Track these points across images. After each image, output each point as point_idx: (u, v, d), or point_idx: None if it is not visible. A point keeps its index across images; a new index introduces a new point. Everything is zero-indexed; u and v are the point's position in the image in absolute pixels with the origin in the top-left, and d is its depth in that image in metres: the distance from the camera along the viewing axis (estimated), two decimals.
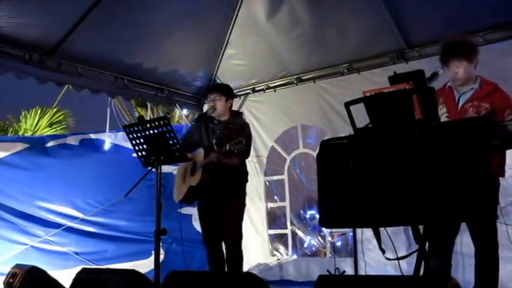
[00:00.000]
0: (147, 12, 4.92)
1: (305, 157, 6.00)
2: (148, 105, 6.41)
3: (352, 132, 2.57)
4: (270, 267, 5.85)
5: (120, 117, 6.12)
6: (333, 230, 5.44)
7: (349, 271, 4.61)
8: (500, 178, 3.05)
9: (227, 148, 3.68)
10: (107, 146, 5.88)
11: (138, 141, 3.29)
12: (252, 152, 4.71)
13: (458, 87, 3.21)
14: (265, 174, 6.12)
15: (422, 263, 2.61)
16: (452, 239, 3.14)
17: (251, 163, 5.82)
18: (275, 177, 6.14)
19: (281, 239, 6.18)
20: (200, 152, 4.04)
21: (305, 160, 6.04)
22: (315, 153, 5.64)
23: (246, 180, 4.17)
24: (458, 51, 3.12)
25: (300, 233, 6.14)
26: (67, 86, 5.56)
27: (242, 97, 6.20)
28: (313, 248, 6.27)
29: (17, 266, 3.83)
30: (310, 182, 6.00)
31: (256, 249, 5.96)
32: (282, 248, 6.08)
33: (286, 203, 6.02)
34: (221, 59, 5.93)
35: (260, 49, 5.73)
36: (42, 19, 4.50)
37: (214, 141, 4.05)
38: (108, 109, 5.79)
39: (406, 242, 4.33)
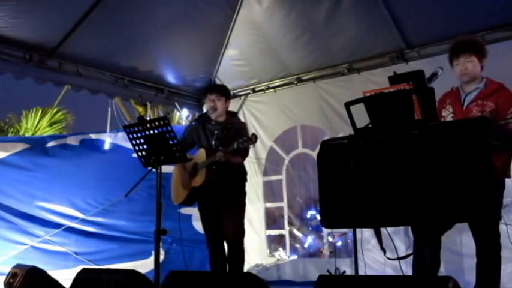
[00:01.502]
0: (147, 13, 4.92)
1: (304, 157, 5.99)
2: (148, 105, 6.41)
3: (352, 132, 2.57)
4: (269, 268, 5.85)
5: (120, 117, 6.12)
6: (333, 230, 5.44)
7: (349, 271, 4.61)
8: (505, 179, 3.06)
9: (235, 147, 3.70)
10: (107, 146, 5.88)
11: (138, 141, 3.29)
12: (251, 153, 4.72)
13: (465, 87, 3.24)
14: (264, 175, 6.11)
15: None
16: (442, 232, 3.15)
17: (250, 163, 5.82)
18: (273, 178, 6.13)
19: (279, 239, 6.17)
20: (200, 152, 4.04)
21: (304, 160, 6.03)
22: (313, 154, 5.68)
23: (246, 180, 4.18)
24: (472, 47, 3.18)
25: (299, 233, 6.14)
26: (67, 86, 5.56)
27: (242, 97, 6.20)
28: (313, 249, 6.26)
29: (17, 266, 3.83)
30: (309, 182, 5.99)
31: (255, 249, 5.95)
32: (280, 249, 6.08)
33: (284, 204, 6.02)
34: (221, 59, 5.94)
35: (260, 49, 5.73)
36: (43, 19, 4.51)
37: (213, 142, 4.05)
38: (109, 109, 5.79)
39: (406, 242, 4.33)
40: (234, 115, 4.34)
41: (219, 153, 3.80)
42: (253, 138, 3.70)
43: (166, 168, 3.53)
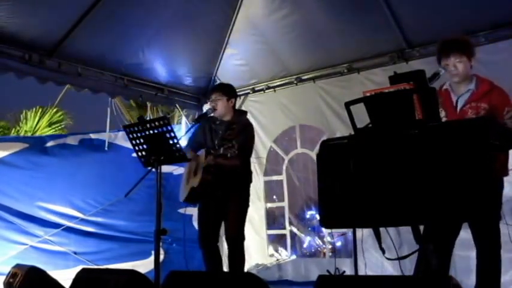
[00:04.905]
0: (147, 12, 4.92)
1: (303, 157, 5.99)
2: (148, 105, 6.41)
3: (350, 132, 2.57)
4: (269, 268, 5.85)
5: (120, 117, 6.11)
6: (333, 230, 5.43)
7: (349, 271, 4.61)
8: (504, 178, 3.06)
9: (221, 152, 3.73)
10: (107, 146, 5.87)
11: (138, 141, 3.28)
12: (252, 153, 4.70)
13: (456, 88, 3.21)
14: (265, 174, 6.11)
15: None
16: (452, 240, 3.14)
17: (251, 164, 5.81)
18: (274, 178, 6.13)
19: (280, 239, 6.17)
20: (202, 153, 4.04)
21: (303, 160, 6.03)
22: (312, 153, 5.68)
23: (249, 181, 4.14)
24: (462, 46, 3.14)
25: (299, 233, 6.13)
26: (67, 86, 5.55)
27: (242, 97, 6.20)
28: (313, 249, 6.26)
29: (17, 266, 3.82)
30: (308, 182, 5.99)
31: (255, 249, 5.95)
32: (280, 249, 6.08)
33: (285, 203, 6.02)
34: (221, 59, 5.93)
35: (260, 49, 5.73)
36: (42, 19, 4.50)
37: (216, 141, 4.04)
38: (109, 109, 5.78)
39: (407, 242, 4.32)
40: (241, 114, 4.30)
41: (209, 157, 3.84)
42: (236, 146, 3.71)
43: (166, 168, 3.53)
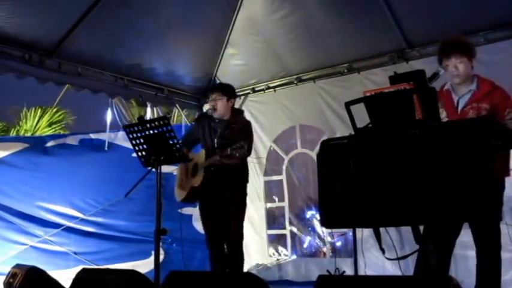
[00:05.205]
0: (147, 12, 4.91)
1: (303, 157, 5.99)
2: (148, 105, 6.41)
3: (350, 132, 2.57)
4: (269, 268, 5.85)
5: (120, 117, 6.11)
6: (333, 230, 5.43)
7: (349, 271, 4.61)
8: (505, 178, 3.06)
9: (228, 152, 3.72)
10: (106, 146, 5.88)
11: (138, 141, 3.29)
12: (252, 153, 4.71)
13: (457, 89, 3.20)
14: (265, 174, 6.12)
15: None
16: (453, 240, 3.14)
17: (251, 164, 5.81)
18: (274, 178, 6.13)
19: (280, 239, 6.17)
20: (201, 152, 4.04)
21: (303, 160, 6.03)
22: (312, 153, 5.68)
23: (247, 181, 4.17)
24: (462, 47, 3.13)
25: (299, 233, 6.14)
26: (67, 85, 5.55)
27: (242, 97, 6.20)
28: (313, 249, 6.26)
29: (17, 266, 3.83)
30: (308, 182, 5.99)
31: (255, 249, 5.95)
32: (281, 249, 6.08)
33: (285, 203, 6.02)
34: (221, 59, 5.93)
35: (260, 49, 5.73)
36: (42, 19, 4.50)
37: (215, 140, 4.04)
38: (109, 109, 5.79)
39: (408, 242, 4.32)
40: (239, 113, 4.33)
41: (214, 158, 3.84)
42: (246, 146, 3.71)
43: (166, 168, 3.53)
